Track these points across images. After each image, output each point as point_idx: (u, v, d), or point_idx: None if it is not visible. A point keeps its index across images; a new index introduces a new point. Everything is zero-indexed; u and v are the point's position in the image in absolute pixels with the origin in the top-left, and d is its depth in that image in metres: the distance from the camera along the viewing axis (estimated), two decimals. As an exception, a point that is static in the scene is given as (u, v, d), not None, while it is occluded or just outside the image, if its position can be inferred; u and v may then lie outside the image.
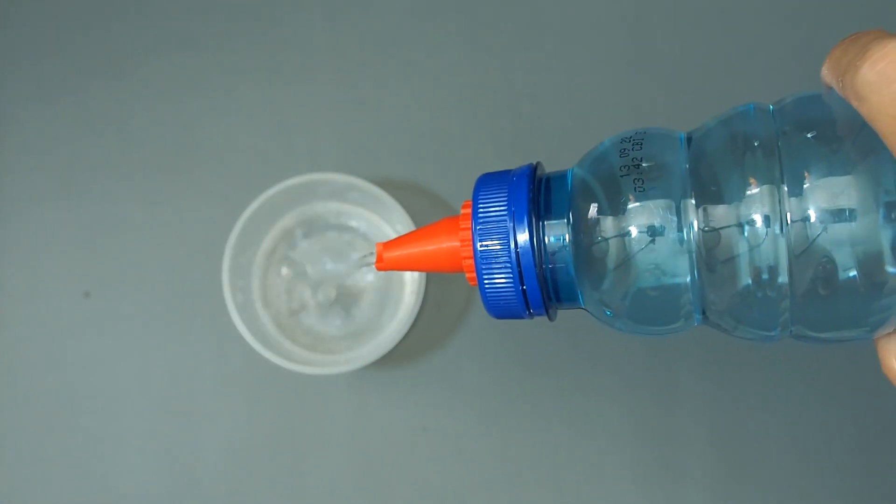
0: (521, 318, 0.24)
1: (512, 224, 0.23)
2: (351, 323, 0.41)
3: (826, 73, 0.21)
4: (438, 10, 0.45)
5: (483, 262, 0.23)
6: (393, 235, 0.41)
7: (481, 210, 0.23)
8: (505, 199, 0.23)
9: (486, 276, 0.23)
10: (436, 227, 0.25)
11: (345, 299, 0.41)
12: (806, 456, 0.40)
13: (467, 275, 0.24)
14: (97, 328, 0.42)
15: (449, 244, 0.24)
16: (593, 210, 0.22)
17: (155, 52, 0.45)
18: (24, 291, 0.42)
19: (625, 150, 0.23)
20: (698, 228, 0.21)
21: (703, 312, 0.23)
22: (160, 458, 0.41)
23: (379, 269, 0.26)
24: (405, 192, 0.42)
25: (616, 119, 0.43)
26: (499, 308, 0.24)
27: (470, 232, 0.23)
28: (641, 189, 0.22)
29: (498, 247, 0.23)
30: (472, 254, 0.23)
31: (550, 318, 0.25)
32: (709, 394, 0.41)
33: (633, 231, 0.22)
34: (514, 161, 0.43)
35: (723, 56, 0.44)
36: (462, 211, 0.24)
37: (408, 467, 0.40)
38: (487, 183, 0.24)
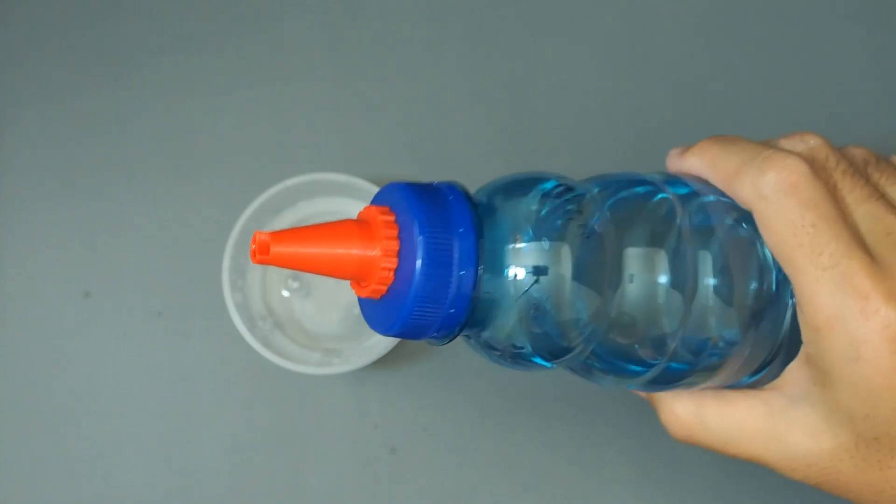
0: (420, 338, 0.23)
1: (458, 255, 0.22)
2: (351, 323, 0.41)
3: (694, 165, 0.25)
4: (438, 10, 0.45)
5: (424, 281, 0.22)
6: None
7: (429, 232, 0.22)
8: (450, 230, 0.22)
9: (419, 296, 0.22)
10: (343, 230, 0.23)
11: (345, 299, 0.41)
12: (806, 456, 0.40)
13: (372, 286, 0.23)
14: (97, 328, 0.42)
15: (362, 252, 0.22)
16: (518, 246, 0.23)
17: (155, 52, 0.45)
18: (24, 291, 0.42)
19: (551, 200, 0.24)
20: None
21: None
22: (160, 458, 0.41)
23: (258, 261, 0.23)
24: (405, 192, 0.42)
25: (616, 119, 0.43)
26: (412, 325, 0.22)
27: (394, 243, 0.22)
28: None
29: (441, 270, 0.22)
30: (393, 267, 0.22)
31: (446, 343, 0.24)
32: (709, 394, 0.41)
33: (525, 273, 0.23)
34: (514, 161, 0.43)
35: (723, 56, 0.44)
36: (380, 217, 0.23)
37: (407, 467, 0.40)
38: (422, 200, 0.22)
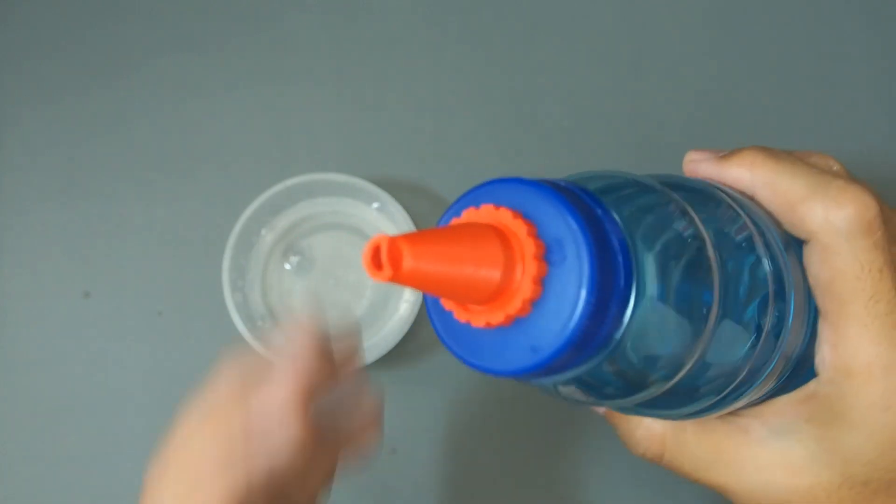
0: (525, 381, 0.19)
1: (618, 291, 0.18)
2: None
3: (742, 178, 0.23)
4: (438, 10, 0.45)
5: (585, 325, 0.17)
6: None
7: (597, 264, 0.17)
8: (612, 260, 0.18)
9: (570, 342, 0.17)
10: (488, 244, 0.17)
11: (345, 299, 0.41)
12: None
13: (501, 315, 0.17)
14: (97, 328, 0.42)
15: (505, 275, 0.17)
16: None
17: (155, 52, 0.45)
18: (24, 291, 0.42)
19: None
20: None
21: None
22: (160, 458, 0.41)
23: (387, 279, 0.16)
24: (405, 192, 0.42)
25: (616, 119, 0.43)
26: (542, 369, 0.18)
27: (542, 266, 0.17)
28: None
29: (602, 310, 0.17)
30: (536, 297, 0.17)
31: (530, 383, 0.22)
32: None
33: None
34: (513, 161, 0.43)
35: (723, 56, 0.44)
36: (525, 230, 0.17)
37: (407, 467, 0.40)
38: (583, 218, 0.17)
